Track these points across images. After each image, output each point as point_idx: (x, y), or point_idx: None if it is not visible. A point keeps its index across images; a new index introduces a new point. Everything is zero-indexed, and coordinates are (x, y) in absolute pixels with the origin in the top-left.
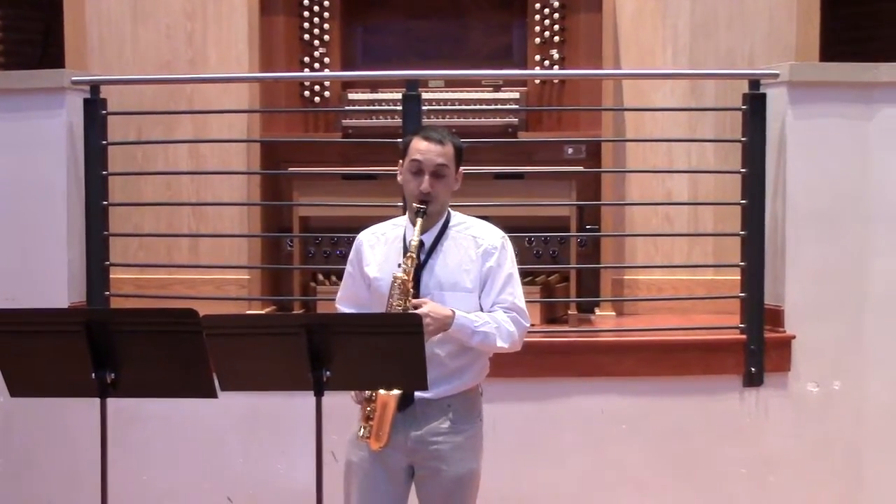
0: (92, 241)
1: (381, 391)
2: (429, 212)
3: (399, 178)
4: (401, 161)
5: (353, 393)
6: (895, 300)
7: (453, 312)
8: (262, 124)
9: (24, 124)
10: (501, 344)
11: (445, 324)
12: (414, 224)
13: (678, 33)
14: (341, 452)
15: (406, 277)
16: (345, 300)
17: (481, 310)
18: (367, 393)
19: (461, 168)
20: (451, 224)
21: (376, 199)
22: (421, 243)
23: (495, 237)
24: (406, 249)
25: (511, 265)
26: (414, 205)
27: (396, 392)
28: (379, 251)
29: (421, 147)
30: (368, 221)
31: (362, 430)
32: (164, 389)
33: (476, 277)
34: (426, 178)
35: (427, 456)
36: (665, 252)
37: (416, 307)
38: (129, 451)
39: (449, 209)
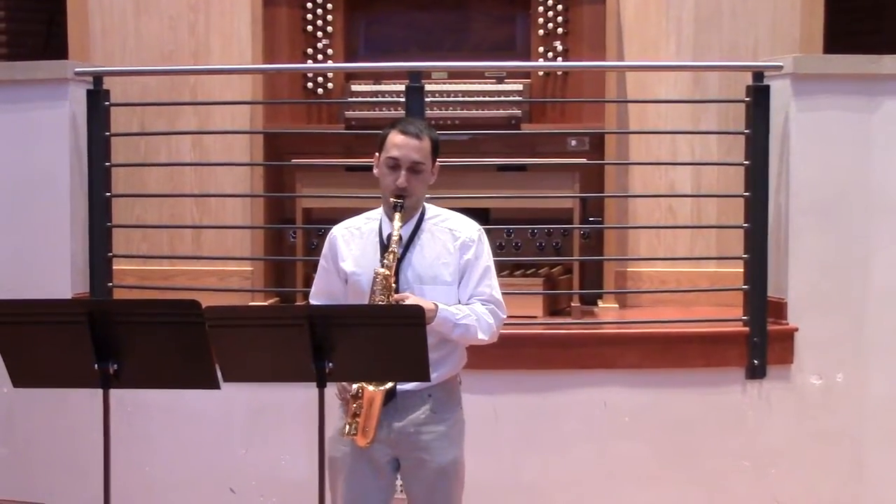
0: (95, 233)
1: (369, 387)
2: (405, 206)
3: (375, 171)
4: (377, 154)
5: (336, 391)
6: None
7: (436, 306)
8: (265, 116)
9: (26, 115)
10: (482, 336)
11: (429, 317)
12: (390, 218)
13: (682, 25)
14: None
15: (388, 273)
16: (318, 295)
17: (458, 302)
18: (354, 389)
19: (437, 161)
20: (426, 217)
21: (379, 190)
22: (399, 237)
23: (472, 229)
24: (382, 243)
25: (488, 257)
26: (391, 199)
27: (383, 388)
28: (354, 245)
29: (397, 141)
30: None
31: (348, 427)
32: (167, 380)
33: (455, 270)
34: (402, 173)
35: (411, 447)
36: (668, 244)
37: (399, 302)
38: (132, 442)
39: (424, 202)
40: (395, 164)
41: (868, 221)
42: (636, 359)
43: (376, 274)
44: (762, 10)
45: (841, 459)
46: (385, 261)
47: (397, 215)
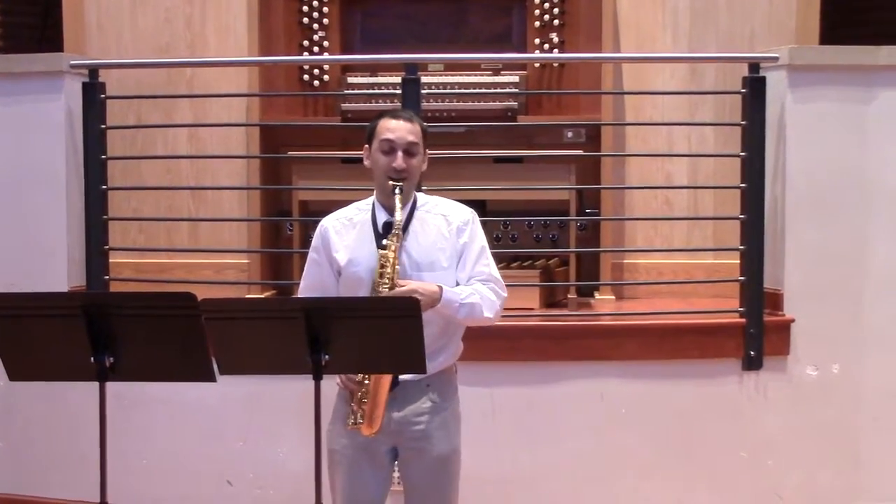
0: (91, 226)
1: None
2: (404, 189)
3: (366, 162)
4: (366, 146)
5: (339, 379)
6: (894, 283)
7: (440, 288)
8: (262, 108)
9: (22, 108)
10: (487, 314)
11: (434, 300)
12: (386, 206)
13: (678, 16)
14: None
15: (392, 254)
16: (309, 289)
17: (458, 285)
18: (360, 376)
19: (427, 150)
20: (418, 205)
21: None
22: (400, 221)
23: (465, 213)
24: (377, 232)
25: (482, 238)
26: (390, 182)
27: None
28: (347, 236)
29: (391, 125)
30: None
31: (353, 416)
32: (163, 373)
33: (452, 254)
34: (399, 154)
35: (411, 436)
36: (665, 236)
37: (402, 285)
38: (129, 435)
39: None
40: (390, 148)
41: (864, 212)
42: (633, 350)
43: (381, 256)
44: (758, 1)
45: (837, 450)
46: (389, 241)
47: (398, 199)
